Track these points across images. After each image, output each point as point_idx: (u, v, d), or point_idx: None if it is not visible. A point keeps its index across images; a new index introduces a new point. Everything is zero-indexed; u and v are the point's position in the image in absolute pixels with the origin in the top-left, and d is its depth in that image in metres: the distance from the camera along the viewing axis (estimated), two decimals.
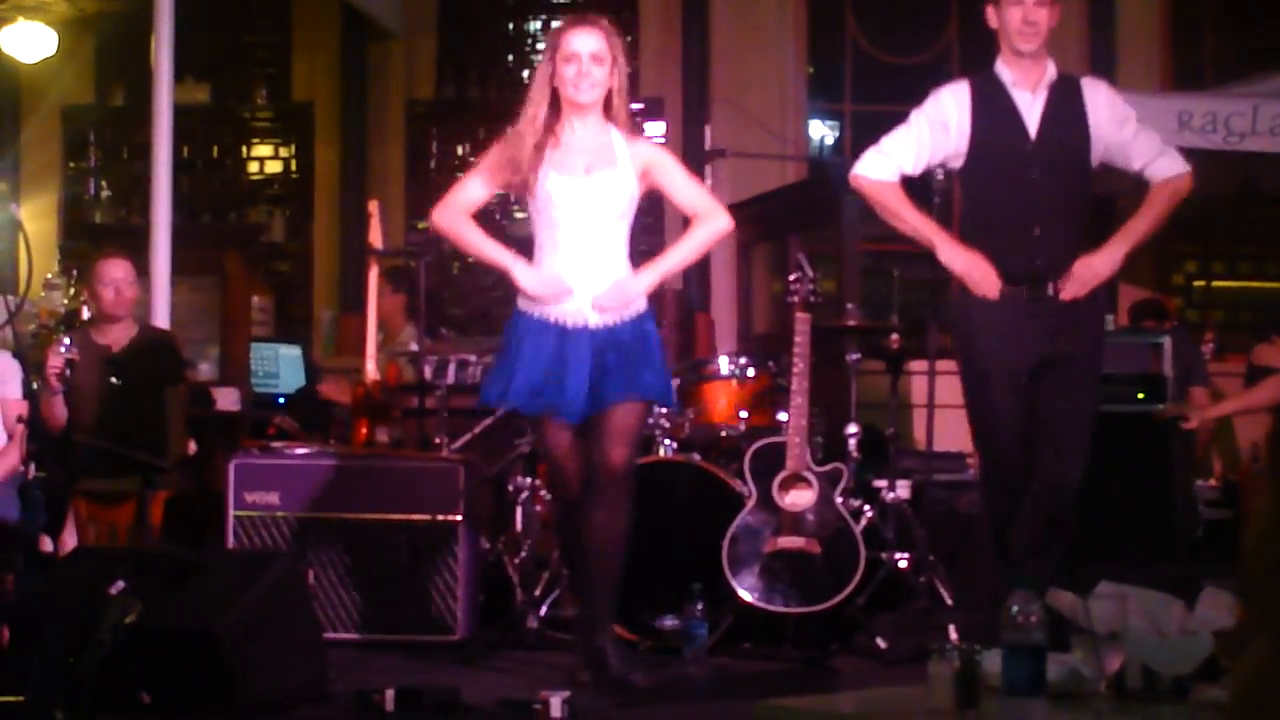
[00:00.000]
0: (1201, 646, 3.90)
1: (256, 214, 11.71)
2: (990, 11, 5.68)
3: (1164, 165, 5.70)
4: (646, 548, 6.32)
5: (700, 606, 6.03)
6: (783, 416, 6.59)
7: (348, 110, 11.47)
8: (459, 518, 6.40)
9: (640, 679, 5.46)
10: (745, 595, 6.18)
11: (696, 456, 6.70)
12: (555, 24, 5.71)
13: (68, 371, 6.48)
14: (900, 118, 5.91)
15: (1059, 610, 3.87)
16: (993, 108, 5.68)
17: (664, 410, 6.82)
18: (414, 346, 7.66)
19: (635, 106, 10.86)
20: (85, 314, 7.78)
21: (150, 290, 7.48)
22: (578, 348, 5.43)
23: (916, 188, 5.93)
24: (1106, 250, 5.63)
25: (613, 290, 5.47)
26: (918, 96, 5.91)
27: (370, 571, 6.37)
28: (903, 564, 6.65)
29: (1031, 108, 5.65)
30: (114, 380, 6.99)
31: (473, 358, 7.52)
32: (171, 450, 7.03)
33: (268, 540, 6.42)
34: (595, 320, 5.46)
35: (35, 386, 6.74)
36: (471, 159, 10.90)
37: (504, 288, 5.62)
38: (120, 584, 4.64)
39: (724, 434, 6.93)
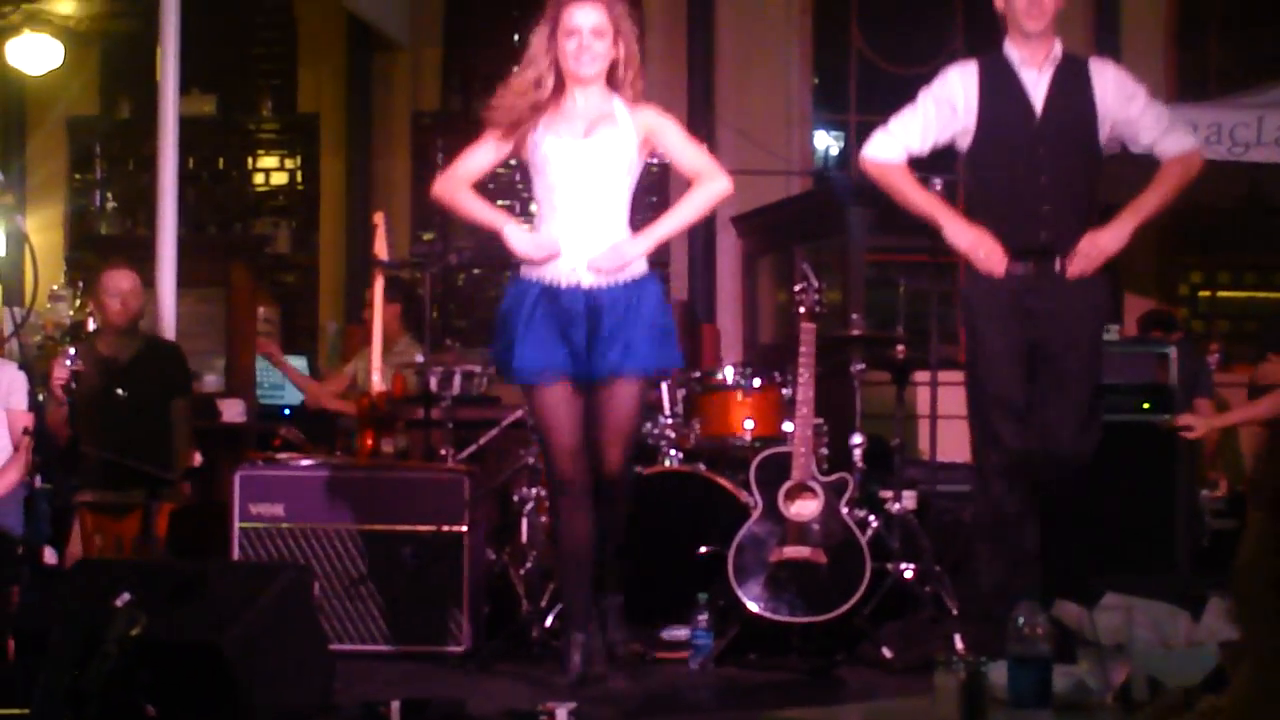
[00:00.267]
0: (1207, 658, 3.91)
1: (262, 225, 11.71)
2: None
3: (1173, 141, 5.70)
4: (652, 557, 6.33)
5: (706, 616, 6.03)
6: (788, 427, 6.59)
7: (353, 122, 11.48)
8: (464, 529, 6.39)
9: (623, 683, 5.50)
10: (751, 605, 6.17)
11: (702, 467, 6.70)
12: None
13: (73, 383, 6.49)
14: None
15: (1065, 622, 3.87)
16: (999, 86, 5.68)
17: (670, 420, 6.83)
18: (418, 357, 7.65)
19: None
20: (91, 325, 7.80)
21: (156, 302, 7.49)
22: (573, 310, 5.43)
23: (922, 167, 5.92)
24: (1114, 226, 5.62)
25: (609, 252, 5.46)
26: None
27: (376, 583, 6.37)
28: (908, 574, 6.64)
29: (1037, 85, 5.66)
30: (119, 392, 7.00)
31: (478, 369, 7.52)
32: (177, 462, 7.04)
33: (273, 552, 6.42)
34: (590, 281, 5.46)
35: (41, 398, 6.74)
36: None
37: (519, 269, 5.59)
38: (125, 596, 4.63)
39: (730, 444, 6.94)
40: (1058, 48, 5.71)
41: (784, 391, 6.91)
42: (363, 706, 5.11)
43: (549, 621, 6.31)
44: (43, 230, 11.10)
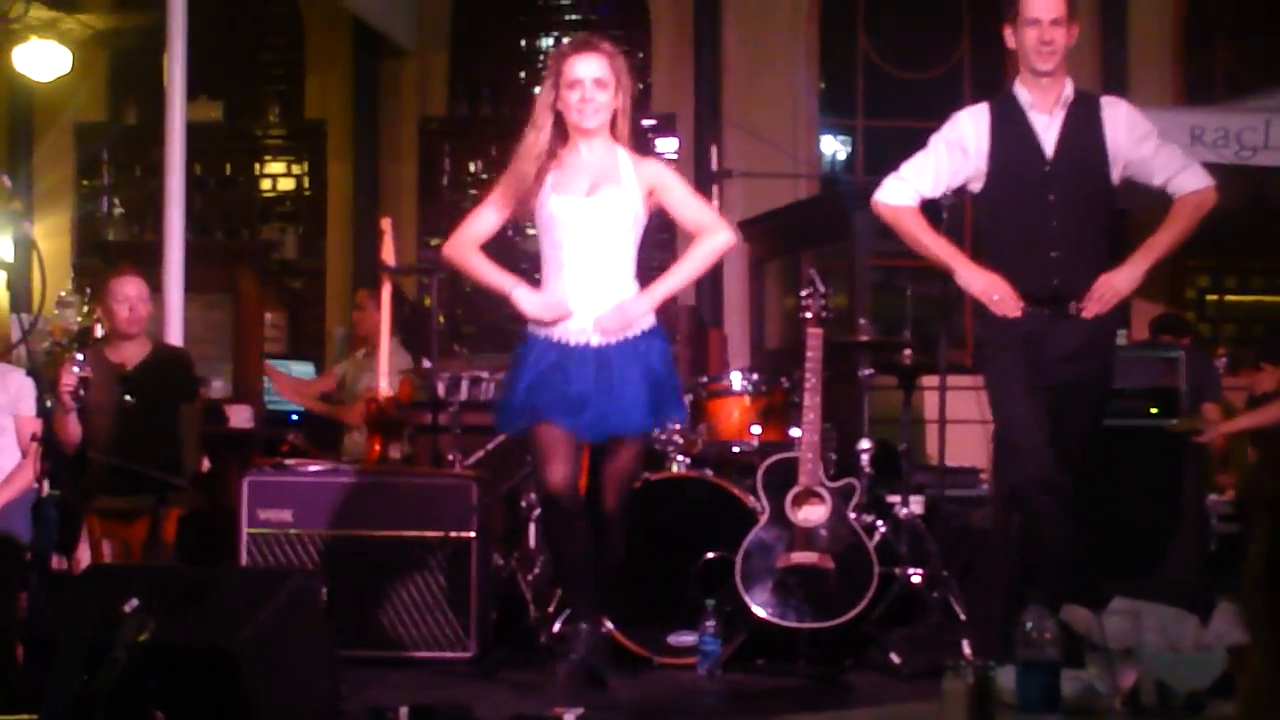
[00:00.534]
0: (1215, 662, 3.91)
1: (269, 231, 11.74)
2: (1008, 31, 5.69)
3: (1187, 180, 5.69)
4: (660, 563, 6.33)
5: (714, 622, 6.03)
6: (795, 432, 6.59)
7: (360, 127, 11.50)
8: (472, 534, 6.39)
9: (615, 683, 5.53)
10: (759, 611, 6.17)
11: (709, 472, 6.70)
12: (564, 41, 5.70)
13: (81, 389, 6.50)
14: (912, 133, 5.93)
15: (1073, 626, 3.87)
16: (1010, 131, 5.68)
17: (677, 426, 6.83)
18: (405, 361, 7.62)
19: (647, 123, 10.98)
20: (99, 331, 7.80)
21: (163, 307, 7.50)
22: (582, 366, 5.48)
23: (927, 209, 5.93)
24: (1127, 267, 5.62)
25: (614, 312, 5.51)
26: (930, 112, 5.94)
27: (383, 588, 6.37)
28: (916, 579, 6.64)
29: (1049, 130, 5.65)
30: (127, 398, 7.00)
31: (485, 375, 7.53)
32: (185, 467, 7.04)
33: (281, 557, 6.42)
34: (598, 340, 5.51)
35: (49, 404, 6.74)
36: (484, 176, 10.98)
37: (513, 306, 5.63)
38: (134, 602, 4.64)
39: (737, 450, 6.94)
40: (1069, 88, 5.70)
41: (791, 397, 6.91)
42: (370, 712, 5.11)
43: (556, 627, 6.31)
44: (50, 236, 11.13)
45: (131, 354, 7.14)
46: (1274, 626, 2.45)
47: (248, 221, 11.86)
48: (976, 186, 5.79)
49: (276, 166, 11.95)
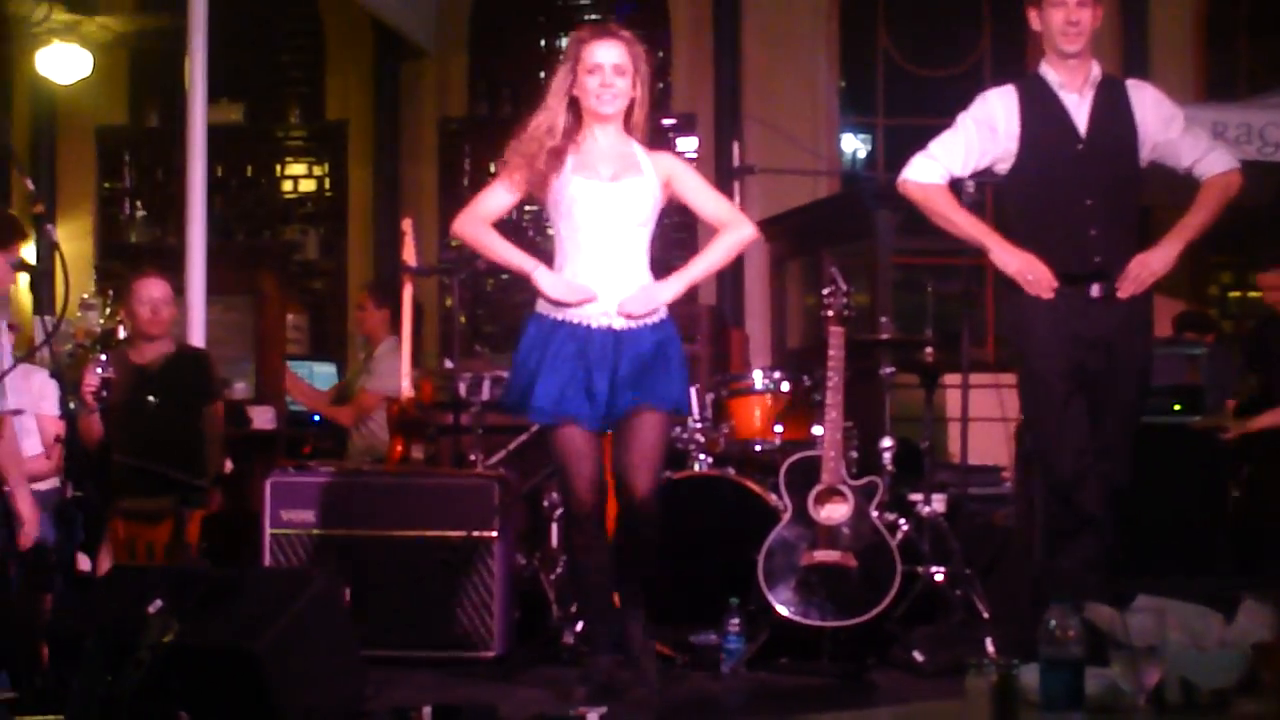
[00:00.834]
0: (1240, 660, 3.89)
1: (291, 233, 11.75)
2: (1033, 14, 5.67)
3: (1214, 161, 5.69)
4: (683, 562, 6.33)
5: (737, 621, 6.03)
6: (817, 430, 6.59)
7: (381, 129, 11.51)
8: (494, 534, 6.40)
9: (642, 694, 5.45)
10: (782, 609, 6.17)
11: (732, 471, 6.70)
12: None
13: (104, 391, 6.51)
14: (933, 130, 5.90)
15: (1097, 624, 3.86)
16: (1041, 110, 5.67)
17: (699, 425, 6.83)
18: (401, 360, 7.59)
19: (667, 122, 10.98)
20: (121, 333, 7.82)
21: (185, 309, 7.51)
22: (602, 352, 5.42)
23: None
24: (1162, 248, 5.62)
25: (640, 295, 5.46)
26: (950, 109, 5.91)
27: (406, 588, 6.38)
28: (939, 577, 6.63)
29: (1080, 109, 5.64)
30: (150, 399, 7.02)
31: (507, 374, 7.53)
32: (208, 469, 7.06)
33: (304, 558, 6.44)
34: (620, 324, 5.46)
35: (72, 406, 6.76)
36: None
37: (535, 305, 5.60)
38: (158, 603, 4.66)
39: (759, 448, 6.94)
40: (1096, 70, 5.69)
41: (813, 395, 6.90)
42: (394, 712, 5.12)
43: (580, 627, 6.31)
44: (73, 239, 11.15)
45: (154, 355, 7.15)
46: None
47: (269, 223, 11.87)
48: (1004, 167, 5.76)
49: (297, 168, 11.95)
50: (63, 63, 10.97)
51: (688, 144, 11.08)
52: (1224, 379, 7.99)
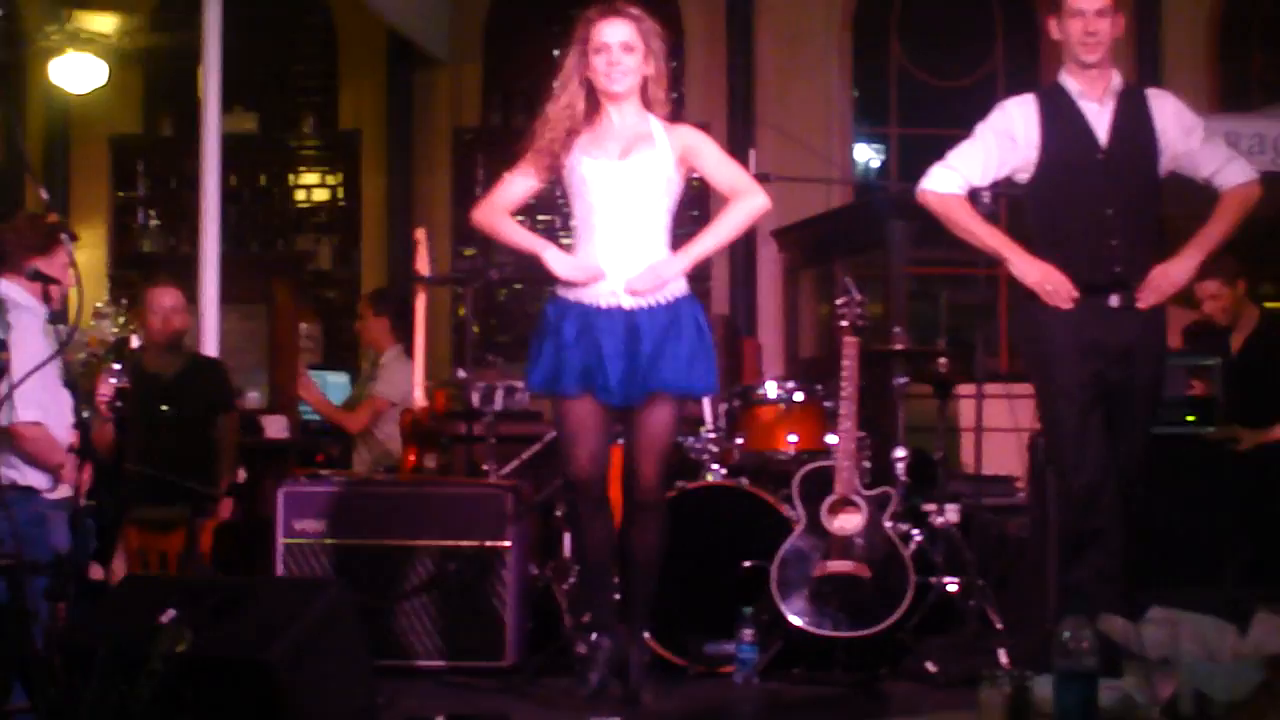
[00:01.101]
0: (1255, 672, 3.88)
1: (304, 242, 11.77)
2: (1052, 24, 5.66)
3: (1233, 172, 5.67)
4: (696, 572, 6.32)
5: (750, 631, 6.03)
6: (831, 440, 6.58)
7: (394, 138, 11.52)
8: (507, 544, 6.39)
9: (650, 698, 5.47)
10: (795, 620, 6.17)
11: (745, 481, 6.69)
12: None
13: (118, 400, 6.52)
14: (946, 140, 5.89)
15: (1111, 636, 3.85)
16: (1061, 119, 5.65)
17: (712, 435, 6.82)
18: (409, 368, 7.58)
19: None
20: (135, 342, 7.83)
21: (199, 318, 7.53)
22: (612, 330, 5.41)
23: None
24: (1182, 258, 5.61)
25: (646, 273, 5.43)
26: (963, 119, 5.89)
27: (419, 598, 6.38)
28: (952, 588, 6.62)
29: (1100, 118, 5.63)
30: (164, 408, 7.03)
31: (520, 384, 7.53)
32: (221, 478, 7.06)
33: (317, 568, 6.43)
34: (629, 303, 5.44)
35: (86, 415, 6.77)
36: None
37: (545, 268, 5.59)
38: (171, 612, 4.65)
39: (772, 459, 6.93)
40: (1116, 79, 5.68)
41: (826, 405, 6.90)
42: None
43: (593, 637, 6.30)
44: (87, 248, 11.16)
45: (168, 365, 7.17)
46: None
47: (282, 232, 11.89)
48: (1024, 177, 5.74)
49: (311, 177, 11.98)
50: (77, 72, 11.01)
51: None
52: None
